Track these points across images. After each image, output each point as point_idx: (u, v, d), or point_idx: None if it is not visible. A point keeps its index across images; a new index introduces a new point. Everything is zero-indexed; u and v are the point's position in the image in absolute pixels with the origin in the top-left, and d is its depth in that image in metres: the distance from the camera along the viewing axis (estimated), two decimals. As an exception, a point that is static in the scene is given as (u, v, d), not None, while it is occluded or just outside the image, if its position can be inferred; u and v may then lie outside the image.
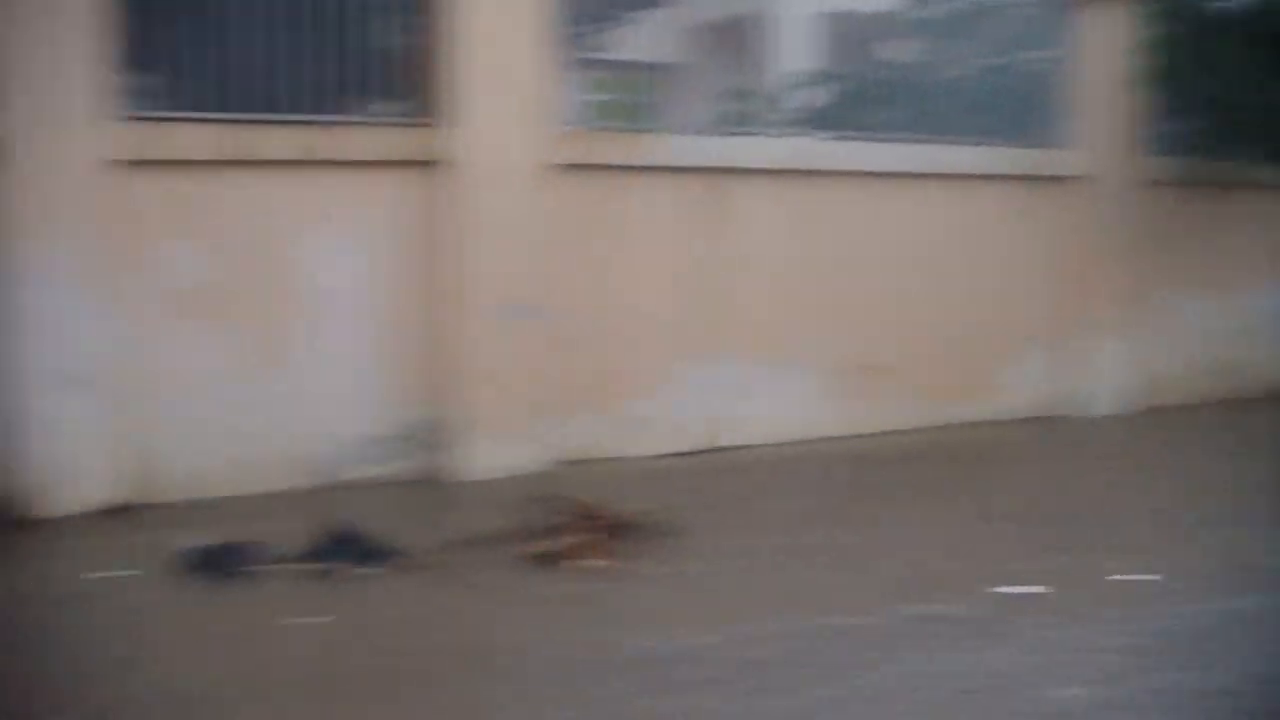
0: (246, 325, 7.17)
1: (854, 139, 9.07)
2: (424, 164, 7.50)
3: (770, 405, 8.74)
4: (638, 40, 15.44)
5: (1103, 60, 9.75)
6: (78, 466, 6.72)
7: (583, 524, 6.30)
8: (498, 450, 7.61)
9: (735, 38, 15.72)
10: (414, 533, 6.26)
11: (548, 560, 5.97)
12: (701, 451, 8.44)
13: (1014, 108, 9.63)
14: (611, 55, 14.65)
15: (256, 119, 7.10)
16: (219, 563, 5.83)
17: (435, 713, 4.44)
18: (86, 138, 6.64)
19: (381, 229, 7.48)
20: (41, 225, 6.57)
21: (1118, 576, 5.94)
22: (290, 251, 7.25)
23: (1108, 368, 10.05)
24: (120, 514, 6.73)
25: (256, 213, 7.15)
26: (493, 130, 7.57)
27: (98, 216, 6.69)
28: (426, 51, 7.59)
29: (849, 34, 12.54)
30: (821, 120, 9.93)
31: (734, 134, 8.99)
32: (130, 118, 6.77)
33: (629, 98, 15.41)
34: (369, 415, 7.49)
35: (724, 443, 8.56)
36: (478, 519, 6.56)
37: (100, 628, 5.18)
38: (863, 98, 10.08)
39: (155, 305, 6.92)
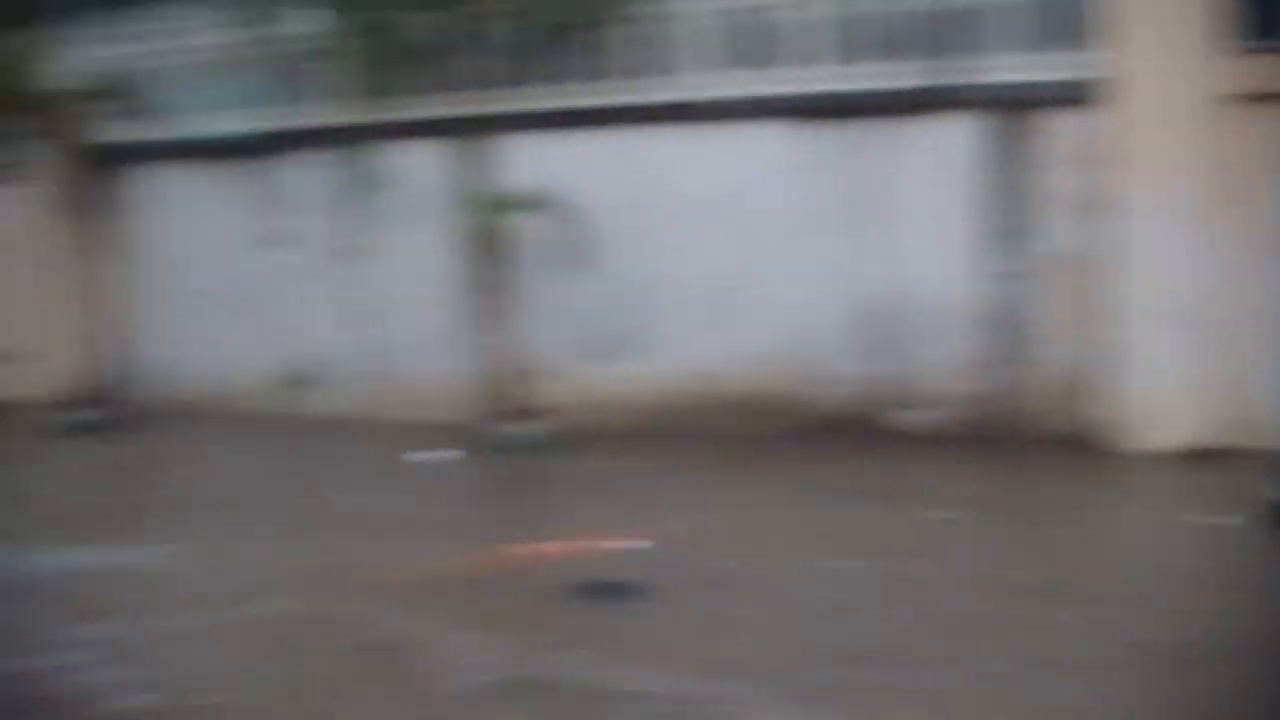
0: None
1: None
2: None
3: None
4: None
5: None
6: (1165, 405, 6.75)
7: None
8: None
9: None
10: None
11: None
12: None
13: None
14: None
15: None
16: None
17: None
18: (1198, 72, 6.59)
19: None
20: (1149, 160, 6.69)
21: None
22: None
23: None
24: (1203, 457, 6.63)
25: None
26: None
27: (1204, 152, 6.60)
28: None
29: None
30: None
31: None
32: (1240, 51, 6.57)
33: None
34: None
35: None
36: None
37: (1202, 575, 5.10)
38: None
39: (1256, 243, 6.67)
